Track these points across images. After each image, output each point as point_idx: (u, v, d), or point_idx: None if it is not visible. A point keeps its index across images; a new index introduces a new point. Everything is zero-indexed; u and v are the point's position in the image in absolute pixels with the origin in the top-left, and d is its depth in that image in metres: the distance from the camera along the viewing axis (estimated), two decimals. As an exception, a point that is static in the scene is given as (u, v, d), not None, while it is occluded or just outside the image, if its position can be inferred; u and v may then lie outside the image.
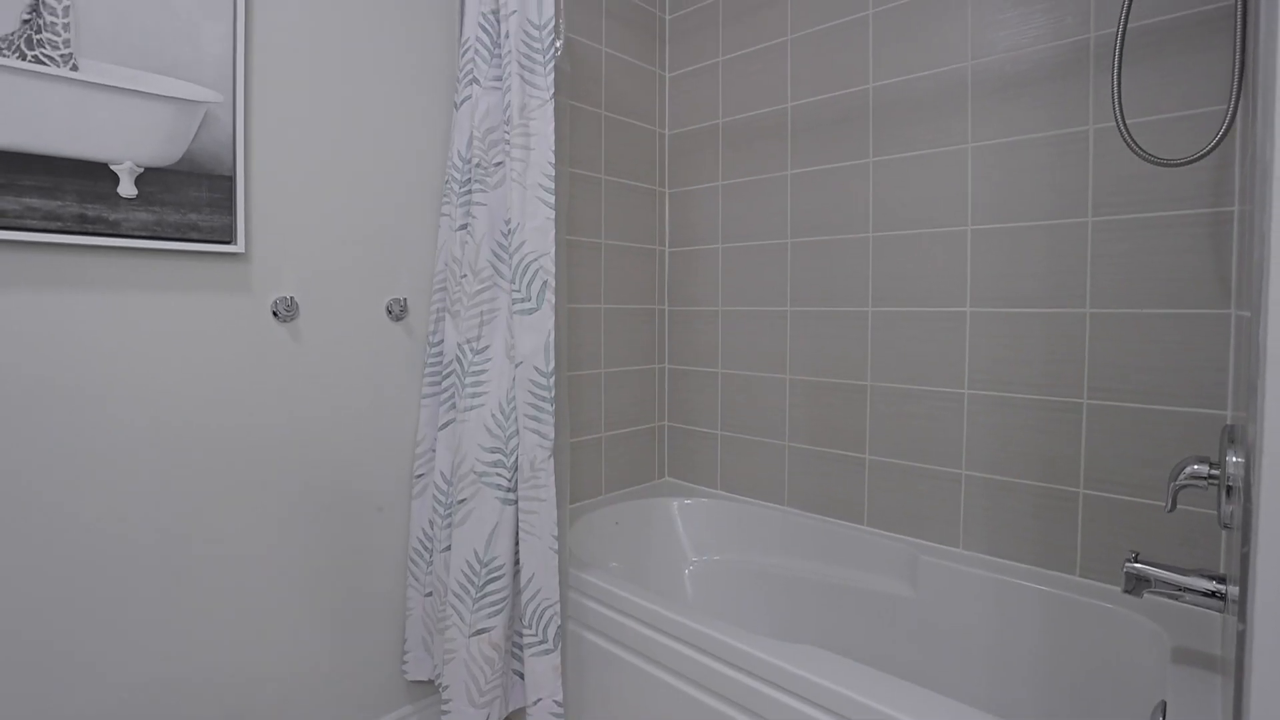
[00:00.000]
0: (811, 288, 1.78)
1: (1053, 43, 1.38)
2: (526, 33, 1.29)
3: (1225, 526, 0.79)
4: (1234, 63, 1.03)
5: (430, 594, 1.44)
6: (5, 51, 0.96)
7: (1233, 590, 0.74)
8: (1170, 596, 0.97)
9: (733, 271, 1.95)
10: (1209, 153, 1.06)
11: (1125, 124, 1.13)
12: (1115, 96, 1.13)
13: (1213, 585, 0.93)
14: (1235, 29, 1.04)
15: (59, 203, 1.02)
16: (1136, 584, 1.00)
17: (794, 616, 1.70)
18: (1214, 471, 0.88)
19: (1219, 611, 0.96)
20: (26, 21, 0.98)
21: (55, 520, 1.05)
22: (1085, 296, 1.35)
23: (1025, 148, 1.42)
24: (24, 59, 0.98)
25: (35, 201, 0.99)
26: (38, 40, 0.99)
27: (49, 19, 0.99)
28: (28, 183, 0.99)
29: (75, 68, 1.02)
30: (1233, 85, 1.03)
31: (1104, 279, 1.33)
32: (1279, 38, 0.41)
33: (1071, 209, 1.36)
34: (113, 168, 1.06)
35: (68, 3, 1.01)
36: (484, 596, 1.28)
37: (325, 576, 1.36)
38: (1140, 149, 1.11)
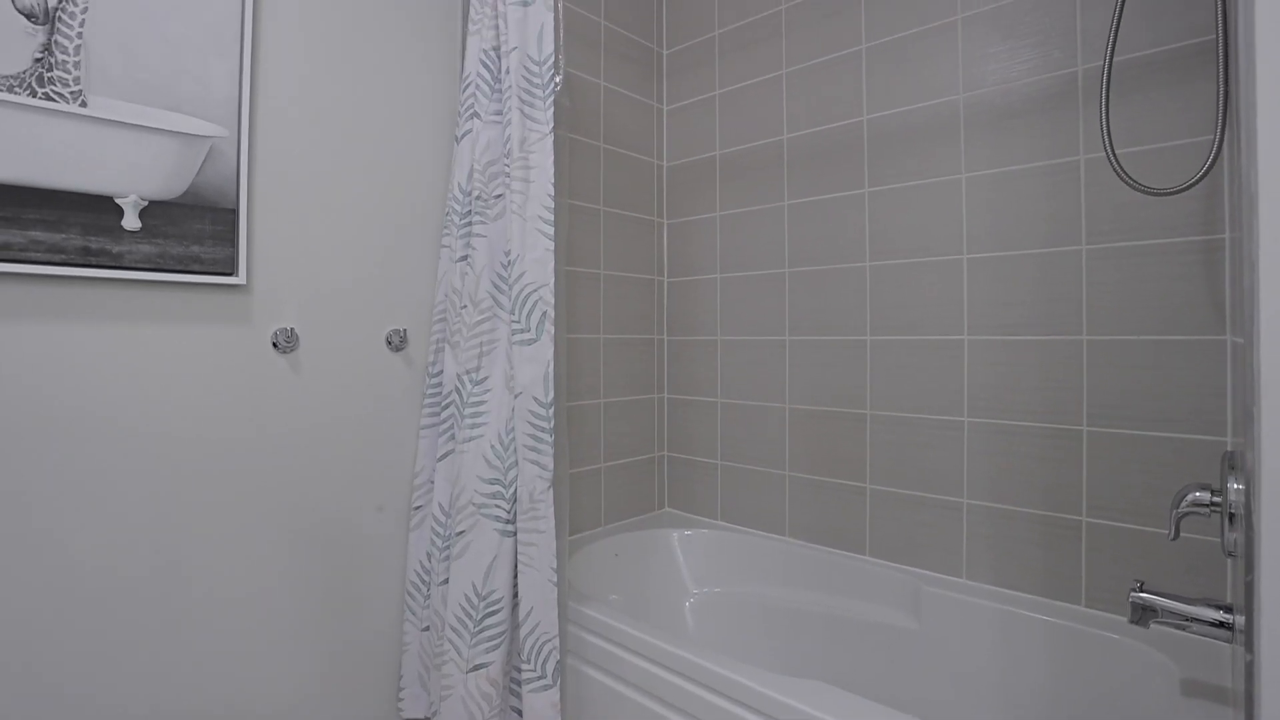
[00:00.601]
0: (809, 317, 1.79)
1: (1041, 75, 1.41)
2: (526, 68, 1.32)
3: (1230, 555, 0.78)
4: (1219, 94, 1.06)
5: (427, 629, 1.42)
6: (17, 89, 0.98)
7: (1239, 620, 0.73)
8: (1177, 627, 0.96)
9: (731, 301, 1.97)
10: (1198, 182, 1.08)
11: (1115, 154, 1.15)
12: (1104, 129, 1.15)
13: (1220, 615, 0.92)
14: (1218, 62, 1.06)
15: (63, 235, 1.03)
16: (1143, 614, 0.99)
17: (797, 650, 1.67)
18: (1216, 499, 0.87)
19: (1227, 642, 0.94)
20: (38, 60, 1.00)
21: (50, 551, 1.04)
22: (1081, 323, 1.36)
23: (1018, 178, 1.44)
24: (34, 96, 1.00)
25: (39, 234, 1.01)
26: (49, 78, 1.01)
27: (60, 57, 1.02)
28: (32, 216, 1.00)
29: (84, 104, 1.04)
30: (1218, 116, 1.05)
31: (1100, 306, 1.34)
32: (1256, 73, 0.43)
33: (1065, 237, 1.38)
34: (118, 201, 1.08)
35: (79, 42, 1.03)
36: (482, 631, 1.26)
37: (321, 610, 1.35)
38: (1130, 179, 1.13)
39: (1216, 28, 1.07)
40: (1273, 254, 0.44)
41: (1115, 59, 1.32)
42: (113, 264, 1.07)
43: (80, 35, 1.03)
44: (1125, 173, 1.13)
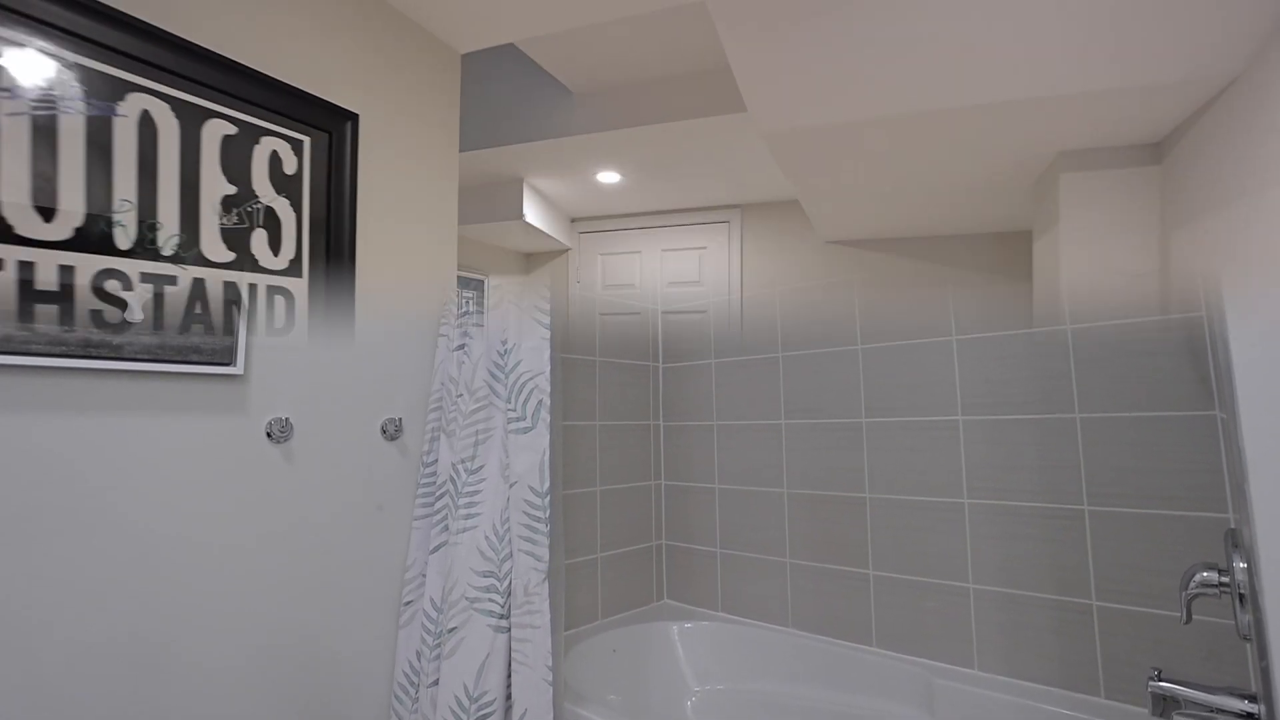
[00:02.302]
0: (805, 399, 1.79)
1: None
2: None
3: (1245, 638, 0.76)
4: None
5: (414, 735, 1.34)
6: (34, 193, 1.02)
7: (1264, 710, 0.70)
8: (1202, 718, 0.91)
9: (726, 385, 1.98)
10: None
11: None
12: (1076, 215, 1.20)
13: (1245, 705, 0.88)
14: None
15: (65, 328, 1.04)
16: (1164, 705, 0.94)
17: (806, 752, 1.57)
18: (1224, 578, 0.85)
19: (1256, 735, 0.89)
20: (58, 166, 1.05)
21: (32, 640, 0.99)
22: (1073, 401, 1.37)
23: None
24: (51, 199, 1.04)
25: (42, 327, 1.02)
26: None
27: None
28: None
29: (98, 206, 1.08)
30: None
31: (1089, 383, 1.35)
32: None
33: (1049, 317, 1.41)
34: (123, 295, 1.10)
35: (98, 149, 1.08)
36: (472, 736, 1.19)
37: (303, 714, 1.27)
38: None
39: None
40: (1243, 328, 0.46)
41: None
42: (112, 355, 1.08)
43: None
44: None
